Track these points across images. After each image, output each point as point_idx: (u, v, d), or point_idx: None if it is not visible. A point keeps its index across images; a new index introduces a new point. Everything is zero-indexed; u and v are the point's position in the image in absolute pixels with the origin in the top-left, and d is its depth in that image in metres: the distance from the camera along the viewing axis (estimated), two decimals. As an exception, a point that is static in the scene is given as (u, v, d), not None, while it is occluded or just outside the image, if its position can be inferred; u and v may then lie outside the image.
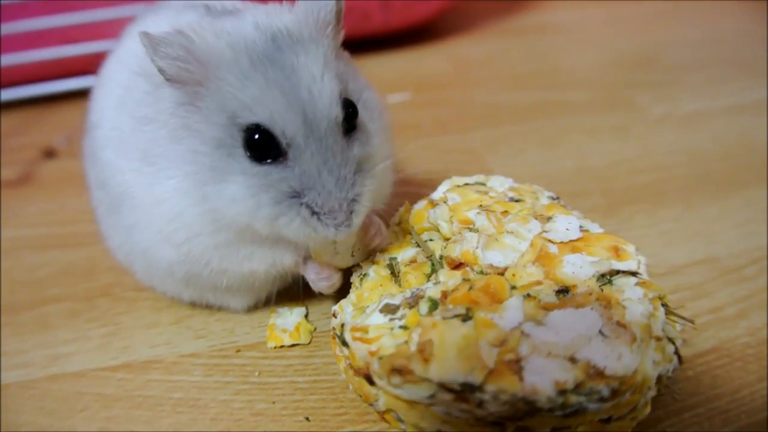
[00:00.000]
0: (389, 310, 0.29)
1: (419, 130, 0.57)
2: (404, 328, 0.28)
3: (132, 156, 0.32)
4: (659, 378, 0.28)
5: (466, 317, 0.27)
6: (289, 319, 0.36)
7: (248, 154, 0.28)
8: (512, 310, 0.27)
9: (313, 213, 0.28)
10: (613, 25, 0.78)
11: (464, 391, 0.24)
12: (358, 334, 0.28)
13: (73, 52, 0.58)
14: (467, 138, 0.55)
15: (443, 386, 0.25)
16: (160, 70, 0.28)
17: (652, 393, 0.28)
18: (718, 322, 0.35)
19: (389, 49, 0.74)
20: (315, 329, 0.35)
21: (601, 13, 0.82)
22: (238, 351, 0.34)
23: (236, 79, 0.28)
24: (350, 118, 0.30)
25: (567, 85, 0.64)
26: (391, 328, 0.28)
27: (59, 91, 0.59)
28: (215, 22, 0.31)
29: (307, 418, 0.30)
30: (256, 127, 0.28)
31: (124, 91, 0.34)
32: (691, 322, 0.32)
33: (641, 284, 0.29)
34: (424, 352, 0.26)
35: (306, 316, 0.36)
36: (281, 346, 0.34)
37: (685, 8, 0.81)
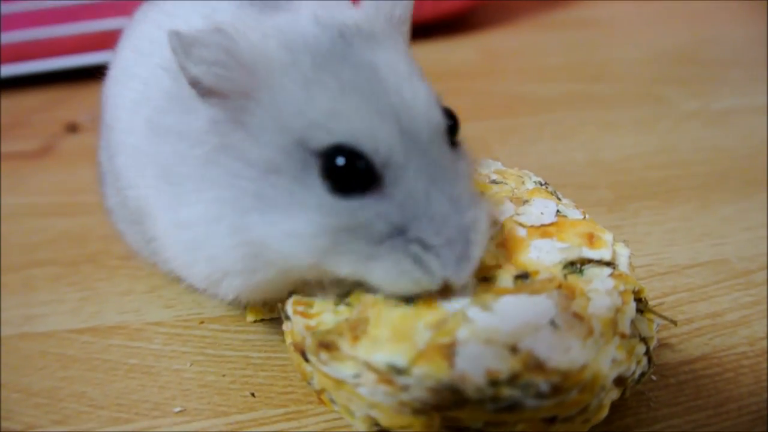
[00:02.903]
0: (340, 286, 0.28)
1: (431, 118, 0.55)
2: (349, 305, 0.27)
3: (148, 172, 0.27)
4: (622, 380, 0.25)
5: (411, 297, 0.25)
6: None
7: (329, 184, 0.22)
8: (461, 293, 0.25)
9: (426, 247, 0.22)
10: (656, 21, 0.74)
11: (389, 373, 0.23)
12: (300, 308, 0.27)
13: (101, 27, 0.60)
14: (479, 127, 0.53)
15: (368, 366, 0.23)
16: (194, 80, 0.23)
17: (612, 396, 0.25)
18: (715, 328, 0.32)
19: (419, 39, 0.73)
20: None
21: (645, 8, 0.78)
22: (202, 323, 0.34)
23: (298, 87, 0.22)
24: (453, 130, 0.24)
25: (596, 79, 0.61)
26: (337, 304, 0.27)
27: (85, 65, 0.61)
28: (261, 17, 0.25)
29: (253, 394, 0.29)
30: (337, 150, 0.22)
31: (142, 87, 0.28)
32: (673, 322, 0.29)
33: (615, 276, 0.27)
34: (357, 329, 0.24)
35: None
36: (261, 320, 0.34)
37: (731, 5, 0.75)
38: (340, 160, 0.22)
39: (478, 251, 0.23)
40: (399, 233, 0.22)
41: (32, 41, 0.61)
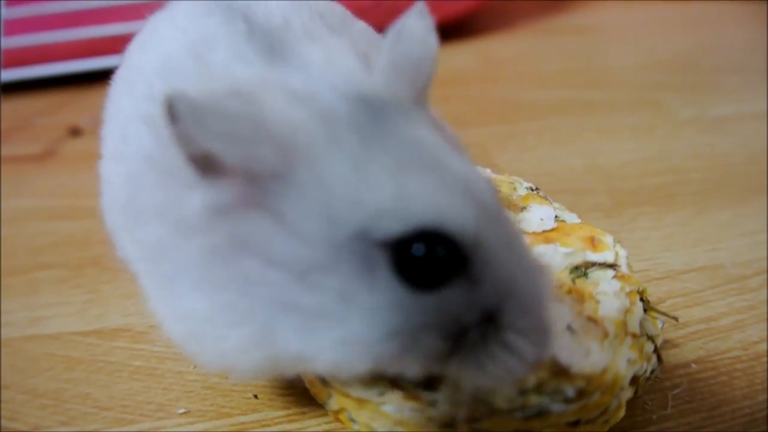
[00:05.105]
0: None
1: (430, 124, 0.56)
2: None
3: (129, 245, 0.23)
4: (635, 379, 0.26)
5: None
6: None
7: (403, 279, 0.18)
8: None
9: (517, 331, 0.19)
10: (654, 27, 0.75)
11: (416, 389, 0.23)
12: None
13: (103, 32, 0.61)
14: (478, 133, 0.53)
15: (394, 383, 0.24)
16: (202, 156, 0.18)
17: (627, 395, 0.26)
18: (709, 332, 0.32)
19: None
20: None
21: (643, 15, 0.78)
22: (205, 326, 0.34)
23: (347, 167, 0.18)
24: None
25: (594, 85, 0.61)
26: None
27: (87, 69, 0.61)
28: (271, 71, 0.20)
29: (256, 396, 0.30)
30: (417, 237, 0.18)
31: (122, 131, 0.24)
32: (675, 318, 0.30)
33: (619, 277, 0.27)
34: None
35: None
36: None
37: (729, 12, 0.76)
38: (419, 249, 0.18)
39: (551, 321, 0.20)
40: (486, 320, 0.19)
41: (35, 46, 0.61)
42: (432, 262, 0.18)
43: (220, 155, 0.17)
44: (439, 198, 0.18)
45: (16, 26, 0.61)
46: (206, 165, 0.18)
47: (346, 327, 0.18)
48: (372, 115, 0.19)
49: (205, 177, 0.18)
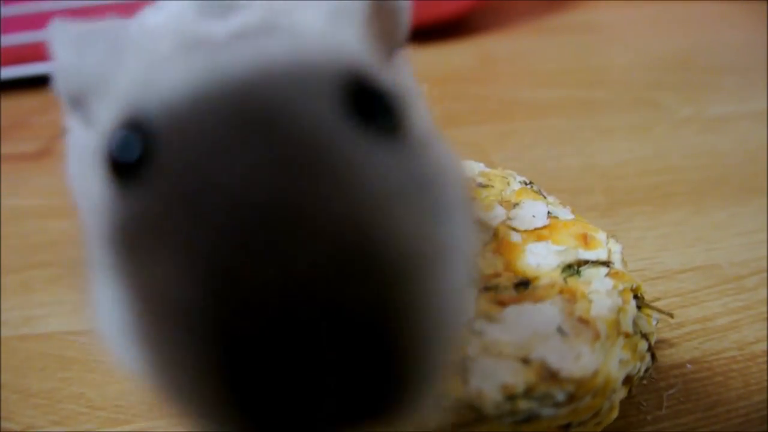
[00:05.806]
0: None
1: (427, 123, 0.56)
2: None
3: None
4: (629, 378, 0.26)
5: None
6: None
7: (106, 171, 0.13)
8: None
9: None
10: (653, 26, 0.75)
11: None
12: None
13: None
14: (475, 131, 0.53)
15: None
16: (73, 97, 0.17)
17: (620, 395, 0.25)
18: (705, 332, 0.32)
19: (415, 43, 0.73)
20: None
21: (642, 14, 0.78)
22: (199, 325, 0.34)
23: (140, 63, 0.15)
24: (374, 106, 0.12)
25: (592, 84, 0.61)
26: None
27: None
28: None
29: (249, 396, 0.30)
30: (120, 125, 0.13)
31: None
32: (669, 315, 0.30)
33: (612, 275, 0.27)
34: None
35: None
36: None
37: (728, 11, 0.76)
38: (117, 132, 0.13)
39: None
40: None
41: (32, 44, 0.61)
42: (122, 150, 0.13)
43: (59, 75, 0.17)
44: (160, 72, 0.13)
45: (14, 24, 0.61)
46: (75, 104, 0.17)
47: None
48: (236, 36, 0.15)
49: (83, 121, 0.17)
